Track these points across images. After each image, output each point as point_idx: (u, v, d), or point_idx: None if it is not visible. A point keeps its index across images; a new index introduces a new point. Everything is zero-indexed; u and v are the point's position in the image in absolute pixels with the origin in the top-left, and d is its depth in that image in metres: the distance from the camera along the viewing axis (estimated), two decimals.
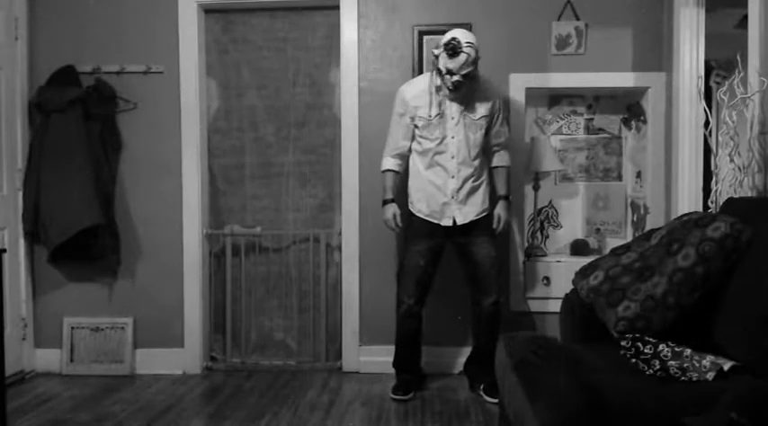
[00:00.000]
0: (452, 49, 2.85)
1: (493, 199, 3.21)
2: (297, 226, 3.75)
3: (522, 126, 3.55)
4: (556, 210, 3.86)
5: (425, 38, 3.51)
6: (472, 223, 3.10)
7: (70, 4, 3.62)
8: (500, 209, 3.17)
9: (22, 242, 3.56)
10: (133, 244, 3.64)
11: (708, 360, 1.88)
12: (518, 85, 3.51)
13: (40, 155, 3.46)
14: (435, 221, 3.10)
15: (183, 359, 3.63)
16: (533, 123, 3.83)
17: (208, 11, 3.68)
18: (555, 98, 3.81)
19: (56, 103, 3.43)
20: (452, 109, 3.04)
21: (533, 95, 3.65)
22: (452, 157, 3.04)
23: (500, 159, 3.22)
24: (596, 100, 3.81)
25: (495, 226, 3.16)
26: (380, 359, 3.51)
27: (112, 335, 3.64)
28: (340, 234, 3.65)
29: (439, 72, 2.96)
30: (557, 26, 3.49)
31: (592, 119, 3.83)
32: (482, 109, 3.06)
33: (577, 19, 3.49)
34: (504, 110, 3.18)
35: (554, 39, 3.49)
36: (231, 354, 3.73)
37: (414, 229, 3.16)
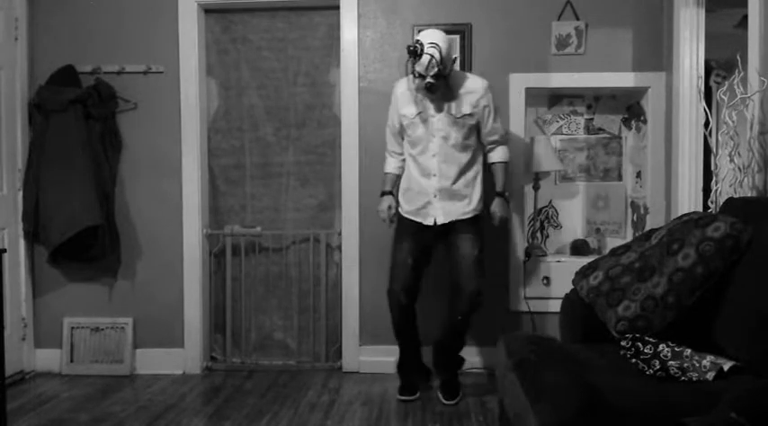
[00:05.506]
0: (414, 52, 2.83)
1: (491, 197, 3.19)
2: (297, 226, 3.75)
3: (522, 126, 3.55)
4: (556, 210, 3.86)
5: None
6: (457, 222, 3.05)
7: (70, 4, 3.62)
8: (495, 207, 3.12)
9: (22, 242, 3.56)
10: (133, 243, 3.64)
11: (708, 360, 1.88)
12: (518, 85, 3.51)
13: (39, 155, 3.47)
14: (419, 220, 3.08)
15: (182, 359, 3.63)
16: (533, 123, 3.83)
17: (208, 11, 3.68)
18: (555, 98, 3.81)
19: (56, 103, 3.43)
20: (433, 107, 3.01)
21: (533, 95, 3.65)
22: (433, 156, 3.02)
23: (497, 155, 3.15)
24: (596, 100, 3.81)
25: (495, 224, 3.15)
26: (380, 359, 3.51)
27: (112, 335, 3.64)
28: (340, 234, 3.65)
29: (414, 74, 2.95)
30: (557, 26, 3.49)
31: (592, 119, 3.83)
32: (465, 106, 3.01)
33: (577, 19, 3.49)
34: (493, 107, 3.08)
35: (554, 39, 3.49)
36: (231, 354, 3.73)
37: (401, 227, 3.15)
